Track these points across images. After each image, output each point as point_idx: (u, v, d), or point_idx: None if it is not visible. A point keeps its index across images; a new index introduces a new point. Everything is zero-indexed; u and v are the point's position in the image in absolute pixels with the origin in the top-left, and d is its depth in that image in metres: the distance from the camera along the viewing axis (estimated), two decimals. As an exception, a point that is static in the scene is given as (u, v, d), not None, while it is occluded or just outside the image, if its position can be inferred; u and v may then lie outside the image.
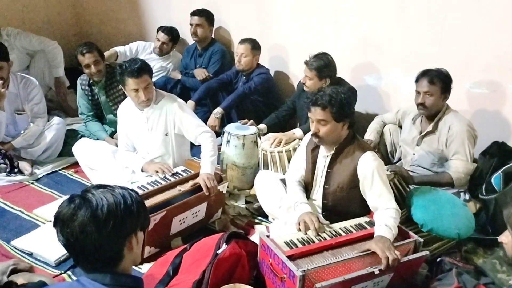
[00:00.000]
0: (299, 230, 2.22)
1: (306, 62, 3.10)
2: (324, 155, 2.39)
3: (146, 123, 2.85)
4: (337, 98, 2.22)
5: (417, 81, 2.68)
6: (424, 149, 2.75)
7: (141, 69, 2.63)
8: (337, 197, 2.36)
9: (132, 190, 1.34)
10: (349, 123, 2.30)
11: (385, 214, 2.17)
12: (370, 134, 3.01)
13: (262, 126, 3.35)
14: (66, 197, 2.88)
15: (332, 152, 2.34)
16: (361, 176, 2.26)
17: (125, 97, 3.39)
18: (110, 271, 1.26)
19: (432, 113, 2.69)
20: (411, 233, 2.24)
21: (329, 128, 2.25)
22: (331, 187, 2.36)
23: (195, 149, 3.18)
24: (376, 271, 1.97)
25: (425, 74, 2.64)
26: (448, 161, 2.67)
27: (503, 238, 1.75)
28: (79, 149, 3.14)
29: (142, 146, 2.94)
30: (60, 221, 1.24)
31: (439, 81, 2.60)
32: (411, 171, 2.77)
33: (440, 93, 2.62)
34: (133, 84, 2.65)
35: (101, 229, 1.22)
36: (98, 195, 1.25)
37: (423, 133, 2.76)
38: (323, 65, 3.05)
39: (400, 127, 3.02)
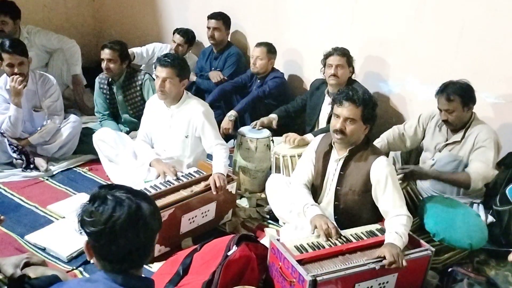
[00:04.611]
0: (318, 234, 2.21)
1: (331, 53, 3.16)
2: (336, 159, 2.38)
3: (170, 120, 2.88)
4: (371, 98, 2.27)
5: (436, 96, 2.63)
6: (446, 155, 2.69)
7: (168, 61, 2.73)
8: (349, 200, 2.35)
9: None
10: (370, 128, 2.32)
11: (396, 221, 2.16)
12: (378, 143, 2.90)
13: (274, 115, 3.38)
14: (80, 194, 2.98)
15: (346, 154, 2.33)
16: (374, 180, 2.26)
17: (142, 98, 3.44)
18: (127, 272, 1.27)
19: (459, 126, 2.65)
20: (422, 242, 2.22)
21: (355, 127, 2.26)
22: (343, 189, 2.36)
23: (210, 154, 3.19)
24: (377, 267, 1.97)
25: (442, 91, 2.59)
26: (470, 163, 2.59)
27: None
28: (101, 138, 3.16)
29: (160, 142, 2.97)
30: (113, 228, 1.21)
31: (457, 96, 2.54)
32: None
33: (462, 107, 2.56)
34: (156, 70, 2.78)
35: (157, 224, 1.29)
36: (139, 193, 1.28)
37: (449, 141, 2.70)
38: (347, 51, 3.18)
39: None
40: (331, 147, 2.42)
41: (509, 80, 2.86)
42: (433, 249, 2.18)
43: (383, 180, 2.23)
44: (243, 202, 3.02)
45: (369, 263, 2.01)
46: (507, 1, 2.76)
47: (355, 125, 2.25)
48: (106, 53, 3.36)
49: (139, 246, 1.25)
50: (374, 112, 2.28)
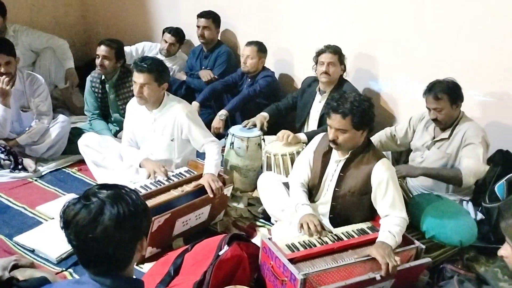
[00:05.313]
0: (301, 231, 2.21)
1: (323, 50, 3.16)
2: (337, 159, 2.37)
3: (153, 124, 2.85)
4: (359, 106, 2.18)
5: (424, 96, 2.65)
6: (435, 152, 2.71)
7: (144, 67, 2.63)
8: (347, 201, 2.34)
9: (136, 191, 1.32)
10: (368, 130, 2.28)
11: (391, 221, 2.17)
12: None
13: (265, 114, 3.36)
14: (69, 195, 2.94)
15: (347, 156, 2.31)
16: (375, 183, 2.24)
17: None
18: (115, 274, 1.25)
19: (448, 124, 2.66)
20: (413, 239, 2.23)
21: (348, 136, 2.23)
22: (342, 190, 2.34)
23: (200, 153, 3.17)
24: (378, 277, 1.97)
25: (430, 90, 2.61)
26: (460, 160, 2.61)
27: (503, 251, 1.71)
28: (85, 143, 3.13)
29: (146, 146, 2.94)
30: (75, 226, 1.19)
31: (444, 94, 2.56)
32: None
33: (450, 104, 2.58)
34: (134, 76, 2.69)
35: (123, 234, 1.20)
36: (116, 198, 1.22)
37: (436, 139, 2.72)
38: (339, 49, 3.18)
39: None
40: (331, 147, 2.38)
41: (498, 79, 2.87)
42: (424, 247, 2.20)
43: (384, 183, 2.21)
44: (234, 202, 3.01)
45: (362, 263, 2.02)
46: (499, 4, 2.77)
47: (347, 134, 2.22)
48: (102, 50, 3.33)
49: (100, 253, 1.20)
50: (366, 117, 2.21)
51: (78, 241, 1.20)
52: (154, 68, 2.66)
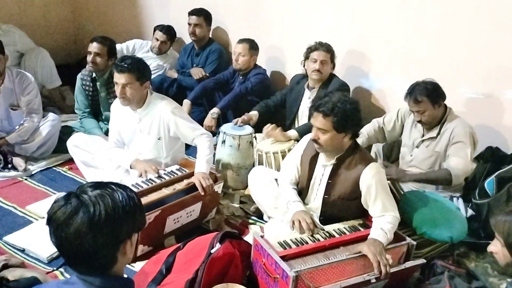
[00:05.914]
0: (293, 228, 2.22)
1: (316, 47, 3.17)
2: (324, 164, 2.33)
3: (138, 124, 2.81)
4: (341, 107, 2.13)
5: (405, 99, 2.66)
6: (423, 151, 2.73)
7: (125, 67, 2.58)
8: (337, 206, 2.33)
9: (130, 190, 1.29)
10: (352, 134, 2.23)
11: (383, 219, 2.17)
12: (359, 139, 2.94)
13: (254, 112, 3.38)
14: (59, 193, 2.92)
15: (333, 161, 2.28)
16: (364, 188, 2.21)
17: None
18: (102, 274, 1.24)
19: (434, 123, 2.68)
20: (404, 236, 2.24)
21: (329, 137, 2.18)
22: (331, 197, 2.31)
23: (191, 149, 3.17)
24: (373, 280, 1.98)
25: (410, 94, 2.62)
26: (448, 158, 2.64)
27: (492, 247, 1.73)
28: (74, 144, 3.11)
29: (134, 146, 2.90)
30: (54, 223, 1.19)
31: (424, 96, 2.57)
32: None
33: (432, 105, 2.59)
34: (115, 77, 2.64)
35: (97, 237, 1.17)
36: (96, 199, 1.19)
37: (425, 137, 2.74)
38: (332, 47, 3.20)
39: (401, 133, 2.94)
40: (318, 151, 2.35)
41: (488, 76, 2.90)
42: (415, 243, 2.21)
43: (373, 189, 2.18)
44: (226, 199, 3.01)
45: (354, 260, 2.03)
46: (496, 4, 2.80)
47: (328, 135, 2.18)
48: (94, 47, 3.30)
49: (77, 253, 1.19)
50: (347, 119, 2.15)
51: (55, 239, 1.20)
52: (135, 68, 2.60)
